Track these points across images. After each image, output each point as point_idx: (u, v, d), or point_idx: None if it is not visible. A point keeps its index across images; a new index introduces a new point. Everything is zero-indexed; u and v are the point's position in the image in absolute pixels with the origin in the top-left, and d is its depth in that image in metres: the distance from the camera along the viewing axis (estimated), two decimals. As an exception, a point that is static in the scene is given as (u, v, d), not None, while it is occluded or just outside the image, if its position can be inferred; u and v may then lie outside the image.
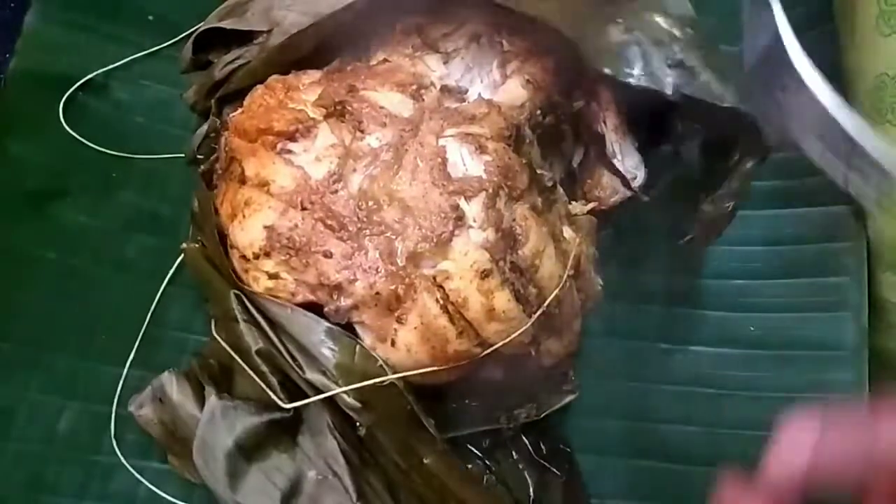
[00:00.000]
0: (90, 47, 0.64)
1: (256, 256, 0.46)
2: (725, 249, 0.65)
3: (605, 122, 0.55)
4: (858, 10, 0.62)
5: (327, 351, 0.46)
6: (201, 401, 0.50)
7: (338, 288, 0.44)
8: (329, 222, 0.44)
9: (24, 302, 0.58)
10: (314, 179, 0.46)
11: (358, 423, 0.47)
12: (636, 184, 0.55)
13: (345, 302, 0.44)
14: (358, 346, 0.46)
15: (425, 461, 0.48)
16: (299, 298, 0.46)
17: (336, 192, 0.45)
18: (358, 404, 0.46)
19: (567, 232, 0.51)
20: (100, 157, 0.62)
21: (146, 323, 0.59)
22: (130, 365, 0.57)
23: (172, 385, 0.51)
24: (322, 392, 0.46)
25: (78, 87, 0.62)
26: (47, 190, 0.60)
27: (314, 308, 0.47)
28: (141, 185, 0.63)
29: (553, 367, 0.54)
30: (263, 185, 0.46)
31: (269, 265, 0.46)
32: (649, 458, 0.60)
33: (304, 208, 0.45)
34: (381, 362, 0.45)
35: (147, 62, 0.66)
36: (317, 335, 0.46)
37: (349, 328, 0.46)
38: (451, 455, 0.49)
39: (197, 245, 0.53)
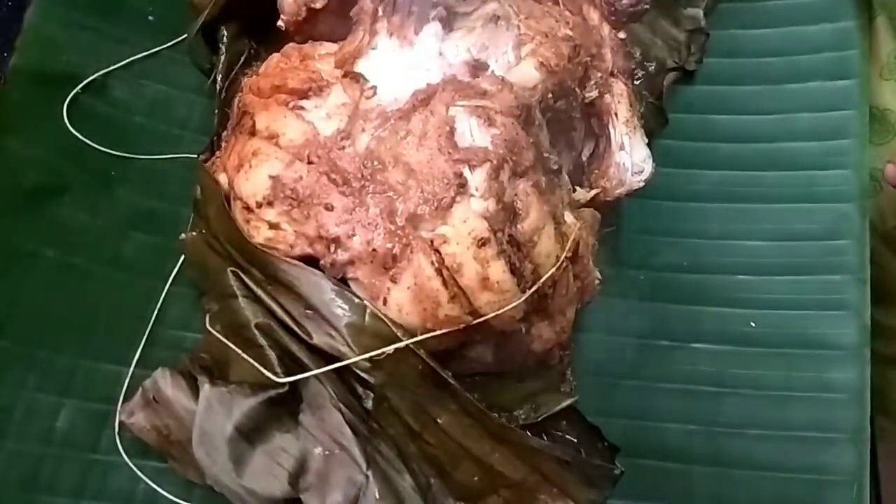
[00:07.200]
0: (90, 47, 0.64)
1: (259, 205, 0.47)
2: (730, 244, 0.66)
3: (615, 115, 0.56)
4: None
5: (338, 310, 0.46)
6: (196, 395, 0.49)
7: (336, 241, 0.45)
8: (333, 176, 0.45)
9: (21, 299, 0.57)
10: (323, 135, 0.47)
11: (363, 395, 0.47)
12: (643, 177, 0.56)
13: (342, 256, 0.45)
14: (368, 307, 0.45)
15: (439, 421, 0.48)
16: (297, 251, 0.47)
17: (343, 148, 0.46)
18: (368, 364, 0.46)
19: (568, 217, 0.51)
20: (99, 155, 0.61)
21: (151, 322, 0.58)
22: (124, 363, 0.57)
23: (166, 381, 0.50)
24: (329, 358, 0.46)
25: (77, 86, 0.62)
26: (46, 188, 0.60)
27: (311, 263, 0.47)
28: (140, 184, 0.62)
29: (544, 354, 0.54)
30: (272, 137, 0.47)
31: (270, 214, 0.47)
32: (649, 457, 0.60)
33: (310, 162, 0.46)
34: (390, 323, 0.45)
35: (147, 62, 0.65)
36: (327, 294, 0.46)
37: (343, 284, 0.47)
38: (469, 412, 0.48)
39: (196, 233, 0.53)
